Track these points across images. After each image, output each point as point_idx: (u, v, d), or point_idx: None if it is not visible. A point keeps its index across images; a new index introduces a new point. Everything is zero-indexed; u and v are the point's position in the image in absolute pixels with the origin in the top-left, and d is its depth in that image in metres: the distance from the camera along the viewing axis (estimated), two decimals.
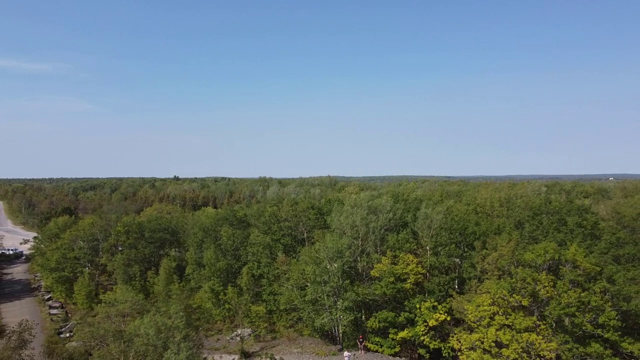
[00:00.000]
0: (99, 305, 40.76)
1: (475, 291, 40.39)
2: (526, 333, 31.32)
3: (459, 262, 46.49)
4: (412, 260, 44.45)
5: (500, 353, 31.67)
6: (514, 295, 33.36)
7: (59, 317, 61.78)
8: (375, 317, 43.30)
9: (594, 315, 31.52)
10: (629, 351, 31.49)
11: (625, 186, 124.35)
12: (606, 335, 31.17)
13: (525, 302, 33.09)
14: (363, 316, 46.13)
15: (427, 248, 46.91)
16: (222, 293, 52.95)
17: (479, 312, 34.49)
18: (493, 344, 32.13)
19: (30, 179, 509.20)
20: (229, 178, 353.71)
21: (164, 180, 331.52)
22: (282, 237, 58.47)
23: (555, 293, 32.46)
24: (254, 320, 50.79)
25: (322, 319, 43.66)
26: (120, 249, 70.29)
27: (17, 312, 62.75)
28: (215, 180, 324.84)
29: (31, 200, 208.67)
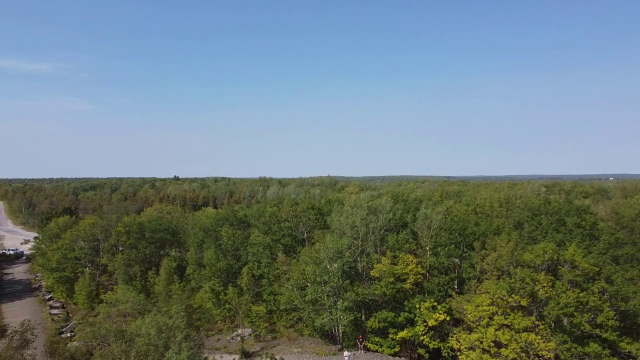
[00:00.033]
0: (101, 305, 40.90)
1: (475, 291, 40.58)
2: (525, 333, 31.52)
3: (459, 263, 46.68)
4: (412, 261, 44.64)
5: (499, 353, 31.87)
6: (512, 295, 33.56)
7: (59, 317, 61.96)
8: (375, 317, 43.48)
9: (592, 315, 31.70)
10: (627, 351, 31.65)
11: (625, 186, 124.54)
12: (604, 335, 31.36)
13: (524, 302, 33.28)
14: (363, 316, 46.32)
15: (427, 248, 47.10)
16: (222, 293, 53.13)
17: (478, 312, 34.69)
18: (492, 344, 32.33)
19: (30, 179, 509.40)
20: (229, 178, 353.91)
21: (164, 180, 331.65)
22: (282, 237, 58.68)
23: (554, 293, 32.65)
24: (254, 320, 50.96)
25: (322, 319, 43.84)
26: (120, 249, 70.45)
27: (18, 312, 62.97)
28: (215, 180, 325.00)
29: (31, 200, 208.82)
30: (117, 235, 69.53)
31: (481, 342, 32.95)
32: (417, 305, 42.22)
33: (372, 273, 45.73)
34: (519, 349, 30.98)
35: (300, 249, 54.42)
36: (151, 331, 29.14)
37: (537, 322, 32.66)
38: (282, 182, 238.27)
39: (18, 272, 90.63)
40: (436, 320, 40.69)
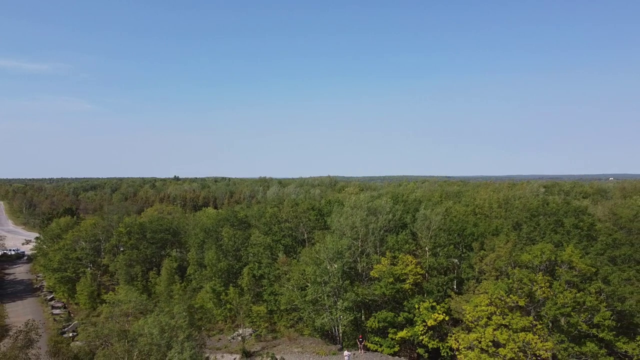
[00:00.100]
0: (103, 305, 41.30)
1: (474, 291, 40.96)
2: (523, 333, 31.88)
3: (458, 263, 47.05)
4: (411, 261, 44.99)
5: (498, 352, 32.24)
6: (511, 295, 33.95)
7: (61, 317, 62.29)
8: (375, 317, 43.84)
9: (589, 315, 32.10)
10: (623, 350, 32.03)
11: (624, 186, 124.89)
12: (601, 335, 31.75)
13: (522, 303, 33.67)
14: (363, 316, 46.68)
15: (426, 249, 47.48)
16: (223, 293, 53.53)
17: (477, 312, 35.06)
18: (490, 344, 32.69)
19: (30, 179, 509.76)
20: (229, 178, 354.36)
21: (164, 180, 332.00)
22: (282, 237, 59.04)
23: (552, 293, 33.04)
24: (255, 320, 51.32)
25: (322, 319, 44.21)
26: (122, 249, 70.80)
27: (20, 312, 63.31)
28: (216, 180, 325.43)
29: (32, 200, 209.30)
30: (119, 235, 69.88)
31: (479, 342, 33.32)
32: (417, 306, 42.60)
33: (372, 273, 46.09)
34: (517, 349, 31.36)
35: (301, 250, 54.79)
36: (154, 331, 29.53)
37: (534, 322, 33.03)
38: (282, 182, 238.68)
39: (19, 272, 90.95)
40: (435, 320, 41.07)
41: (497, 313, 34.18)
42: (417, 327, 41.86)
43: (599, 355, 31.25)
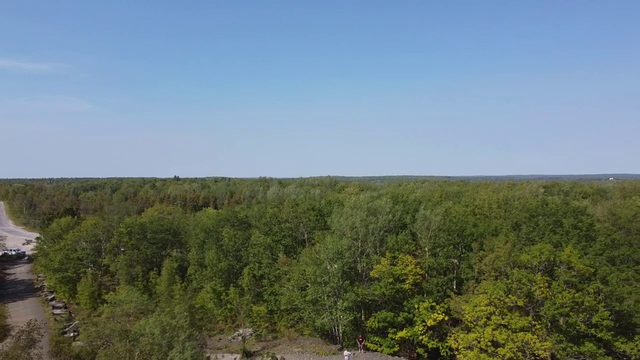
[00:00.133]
0: (105, 305, 41.50)
1: (473, 292, 41.19)
2: (521, 333, 32.09)
3: (457, 263, 47.25)
4: (411, 261, 45.20)
5: (497, 352, 32.44)
6: (510, 295, 34.16)
7: (62, 317, 62.46)
8: (375, 317, 44.04)
9: (587, 315, 32.30)
10: (621, 350, 32.22)
11: (624, 187, 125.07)
12: (599, 335, 31.93)
13: (520, 303, 33.89)
14: (362, 316, 46.87)
15: (426, 249, 47.68)
16: (223, 293, 53.73)
17: (476, 312, 35.27)
18: (489, 344, 32.89)
19: (30, 179, 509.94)
20: (229, 178, 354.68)
21: (164, 180, 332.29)
22: (282, 238, 59.25)
23: (550, 293, 33.25)
24: (255, 320, 51.52)
25: (323, 318, 44.41)
26: (122, 249, 71.03)
27: (21, 312, 63.49)
28: (216, 180, 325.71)
29: (32, 200, 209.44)
30: (119, 236, 70.09)
31: (479, 342, 33.52)
32: (416, 306, 42.81)
33: (372, 274, 46.28)
34: (516, 349, 31.56)
35: (301, 250, 54.98)
36: (155, 331, 29.73)
37: (533, 322, 33.24)
38: (282, 183, 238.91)
39: (20, 272, 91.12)
40: (435, 320, 41.29)
41: (496, 313, 34.39)
42: (416, 327, 42.07)
43: (597, 355, 31.45)
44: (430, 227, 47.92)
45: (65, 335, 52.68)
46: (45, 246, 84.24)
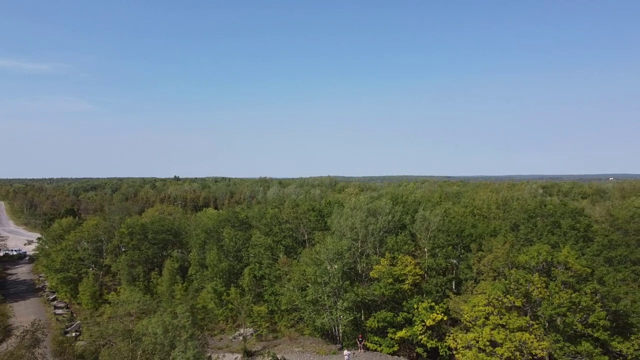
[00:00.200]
0: (106, 305, 41.93)
1: (472, 292, 41.53)
2: (519, 332, 32.47)
3: (456, 264, 47.62)
4: (410, 262, 45.58)
5: (495, 352, 32.81)
6: (508, 296, 34.52)
7: (64, 317, 62.84)
8: (374, 317, 44.42)
9: (584, 315, 32.64)
10: (618, 350, 32.55)
11: (623, 187, 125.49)
12: (596, 335, 32.29)
13: (518, 303, 34.26)
14: (362, 316, 47.25)
15: (425, 250, 48.05)
16: (224, 293, 54.13)
17: (475, 312, 35.64)
18: (488, 343, 33.24)
19: (30, 179, 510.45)
20: (229, 178, 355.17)
21: (164, 180, 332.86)
22: (283, 238, 59.61)
23: (548, 294, 33.62)
24: (256, 320, 51.91)
25: (323, 318, 44.79)
26: (123, 250, 71.42)
27: (22, 312, 63.86)
28: (216, 180, 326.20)
29: (33, 200, 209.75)
30: (120, 236, 70.49)
31: (477, 342, 33.87)
32: (415, 306, 43.19)
33: (372, 274, 46.65)
34: (514, 348, 31.93)
35: (301, 250, 55.34)
36: (157, 330, 30.13)
37: (531, 321, 33.64)
38: (282, 183, 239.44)
39: (21, 272, 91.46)
40: (434, 320, 41.67)
41: (495, 313, 34.76)
42: (416, 327, 42.45)
43: (593, 355, 31.80)
44: (429, 227, 48.30)
45: (67, 335, 53.06)
46: (46, 246, 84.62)
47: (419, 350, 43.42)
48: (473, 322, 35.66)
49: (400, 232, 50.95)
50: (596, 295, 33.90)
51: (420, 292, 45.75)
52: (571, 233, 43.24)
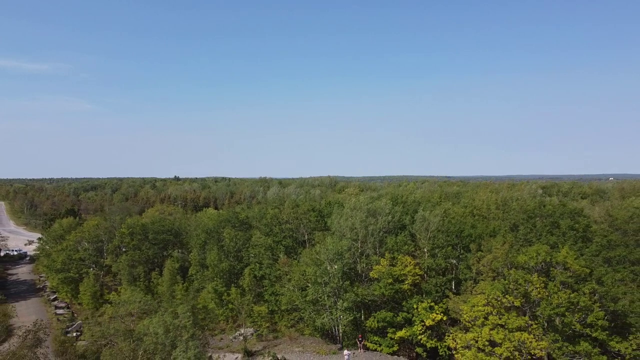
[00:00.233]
0: (107, 305, 42.11)
1: (471, 292, 41.73)
2: (518, 332, 32.69)
3: (456, 264, 47.81)
4: (410, 262, 45.77)
5: (494, 351, 33.01)
6: (507, 296, 34.73)
7: (65, 317, 63.05)
8: (374, 317, 44.61)
9: (583, 315, 32.85)
10: (616, 350, 32.76)
11: (623, 187, 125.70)
12: (594, 335, 32.51)
13: (517, 303, 34.47)
14: (362, 316, 47.44)
15: (425, 250, 48.23)
16: (225, 294, 54.32)
17: (474, 312, 35.85)
18: (487, 343, 33.44)
19: (30, 179, 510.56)
20: (229, 178, 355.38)
21: (164, 180, 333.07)
22: (283, 239, 59.80)
23: (546, 294, 33.83)
24: (256, 320, 52.11)
25: (323, 318, 44.99)
26: (124, 250, 71.61)
27: (23, 312, 64.05)
28: (216, 180, 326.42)
29: (33, 200, 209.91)
30: (121, 236, 70.70)
31: (476, 341, 34.07)
32: (415, 306, 43.38)
33: (371, 274, 46.84)
34: (513, 348, 32.14)
35: (301, 251, 55.54)
36: (159, 330, 30.31)
37: (530, 321, 33.85)
38: (282, 183, 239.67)
39: (22, 272, 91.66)
40: (433, 320, 41.86)
41: (494, 313, 34.96)
42: (415, 326, 42.65)
43: (592, 354, 32.01)
44: (429, 228, 48.48)
45: (68, 335, 53.28)
46: (47, 247, 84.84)
47: (419, 350, 43.62)
48: (472, 322, 35.86)
49: (400, 233, 51.14)
50: (595, 295, 34.12)
51: (420, 292, 45.94)
52: (570, 233, 43.44)
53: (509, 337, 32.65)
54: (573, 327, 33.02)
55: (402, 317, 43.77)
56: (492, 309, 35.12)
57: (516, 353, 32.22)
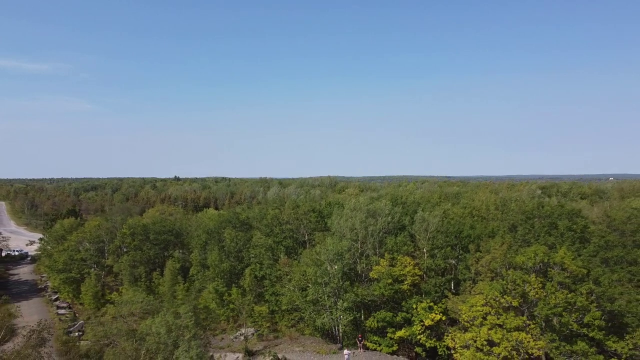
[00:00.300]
0: (110, 305, 42.46)
1: (470, 292, 42.10)
2: (516, 332, 33.08)
3: (455, 264, 48.17)
4: (410, 263, 46.13)
5: (492, 351, 33.40)
6: (505, 296, 35.12)
7: (67, 317, 63.38)
8: (374, 317, 44.95)
9: (580, 315, 33.24)
10: (612, 349, 33.16)
11: (622, 187, 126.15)
12: (591, 334, 32.89)
13: (515, 303, 34.86)
14: (362, 316, 47.77)
15: (424, 250, 48.58)
16: (226, 294, 54.68)
17: (472, 312, 36.24)
18: (485, 343, 33.85)
19: (30, 179, 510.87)
20: (230, 178, 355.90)
21: (164, 180, 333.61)
22: (284, 239, 60.13)
23: (544, 294, 34.22)
24: (257, 320, 52.44)
25: (323, 318, 45.32)
26: (125, 250, 71.96)
27: (25, 312, 64.26)
28: (216, 180, 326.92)
29: (33, 201, 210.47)
30: (122, 237, 71.05)
31: (475, 341, 34.47)
32: (414, 306, 43.74)
33: (371, 274, 47.19)
34: (511, 348, 32.54)
35: (302, 251, 55.88)
36: (161, 330, 30.70)
37: (527, 321, 34.24)
38: (282, 183, 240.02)
39: (24, 272, 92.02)
40: (432, 320, 42.23)
41: (492, 313, 35.35)
42: (415, 326, 43.01)
43: (589, 354, 32.39)
44: (428, 228, 48.83)
45: (70, 334, 53.65)
46: (49, 247, 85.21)
47: (418, 349, 43.99)
48: (471, 322, 36.25)
49: (400, 233, 51.48)
50: (592, 295, 34.51)
51: (419, 293, 46.29)
52: (568, 234, 43.83)
53: (507, 336, 33.05)
54: (570, 327, 33.40)
55: (402, 317, 44.13)
56: (490, 309, 35.51)
57: (514, 352, 32.62)
